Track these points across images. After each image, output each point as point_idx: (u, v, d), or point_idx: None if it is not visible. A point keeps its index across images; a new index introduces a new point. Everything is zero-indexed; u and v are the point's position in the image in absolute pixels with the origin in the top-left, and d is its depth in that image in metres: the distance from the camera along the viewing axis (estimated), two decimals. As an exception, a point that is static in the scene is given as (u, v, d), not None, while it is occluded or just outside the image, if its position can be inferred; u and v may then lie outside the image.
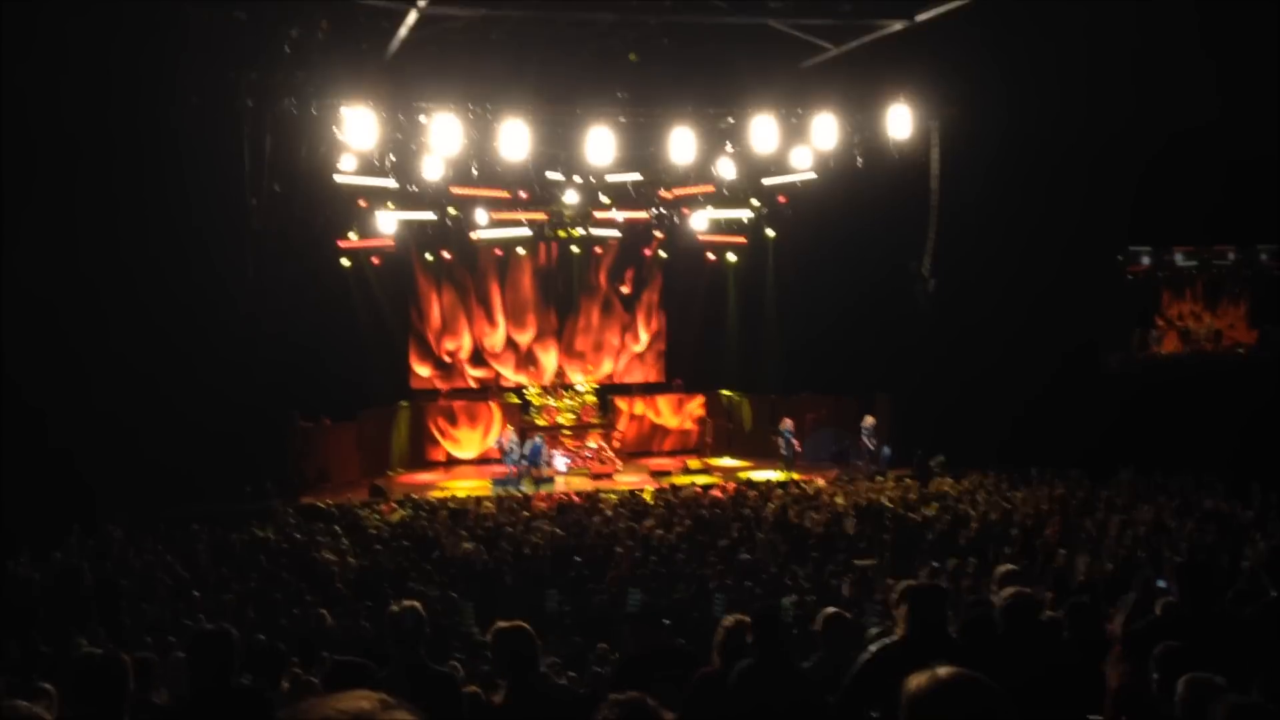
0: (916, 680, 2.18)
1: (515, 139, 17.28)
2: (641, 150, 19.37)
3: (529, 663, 4.60)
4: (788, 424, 21.45)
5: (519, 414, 23.51)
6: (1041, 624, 5.14)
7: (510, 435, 21.56)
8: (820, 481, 18.94)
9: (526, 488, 19.84)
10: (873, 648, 4.74)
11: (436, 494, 18.93)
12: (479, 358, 25.03)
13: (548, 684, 5.04)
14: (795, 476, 19.89)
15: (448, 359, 24.77)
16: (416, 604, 4.86)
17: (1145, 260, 23.17)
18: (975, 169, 18.51)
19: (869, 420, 20.94)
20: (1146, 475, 16.53)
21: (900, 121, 17.74)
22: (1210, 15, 16.41)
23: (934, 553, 12.33)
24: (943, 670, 2.18)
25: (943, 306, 19.64)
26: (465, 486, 20.31)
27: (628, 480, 20.94)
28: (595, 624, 9.98)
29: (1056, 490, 16.00)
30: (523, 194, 21.34)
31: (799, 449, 21.24)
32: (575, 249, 24.52)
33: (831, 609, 5.74)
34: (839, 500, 16.44)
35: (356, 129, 16.77)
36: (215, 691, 4.43)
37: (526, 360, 25.14)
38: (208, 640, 4.57)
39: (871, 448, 20.69)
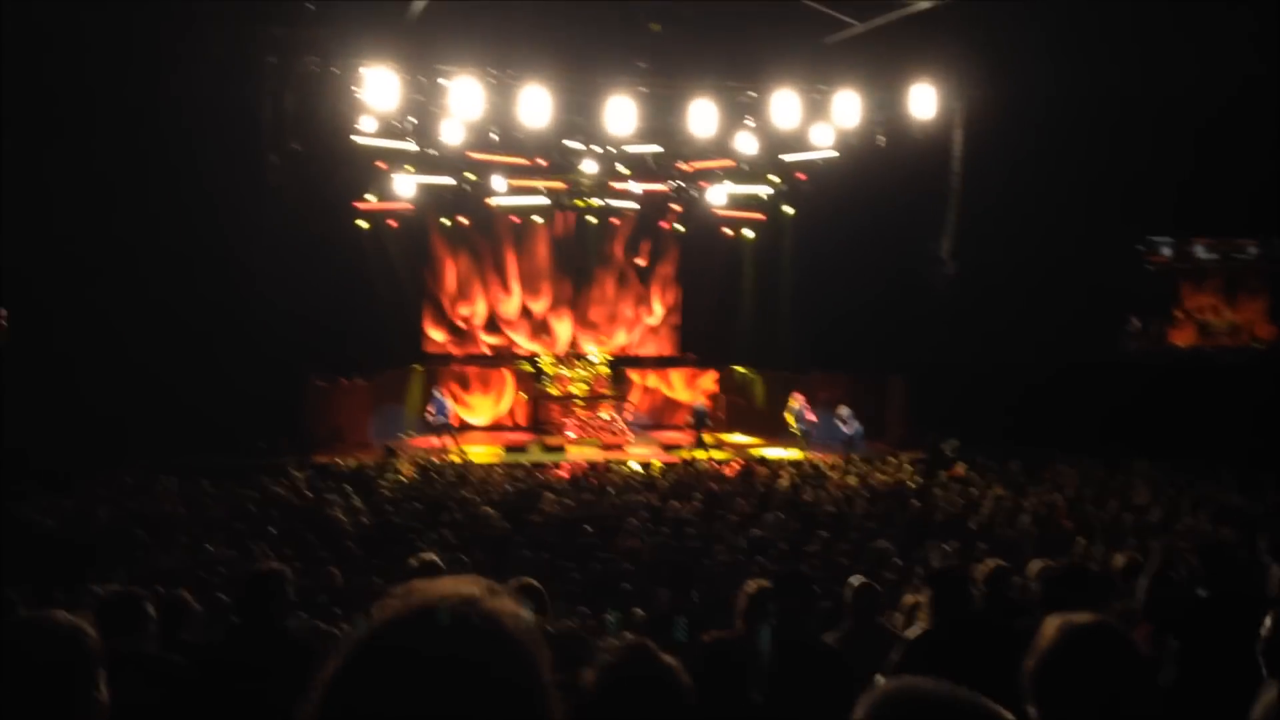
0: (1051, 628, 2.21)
1: (536, 106, 17.12)
2: (661, 122, 19.15)
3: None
4: (798, 400, 21.26)
5: (532, 382, 23.55)
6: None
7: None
8: (830, 460, 18.89)
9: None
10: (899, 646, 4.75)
11: (449, 458, 18.98)
12: (493, 324, 25.03)
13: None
14: (807, 456, 19.73)
15: (462, 325, 24.79)
16: (434, 557, 4.85)
17: (1165, 251, 22.98)
18: (998, 152, 18.32)
19: (843, 409, 20.68)
20: (1159, 466, 16.47)
21: (924, 101, 17.49)
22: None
23: (943, 535, 12.31)
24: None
25: (960, 289, 19.55)
26: (476, 452, 20.34)
27: (639, 452, 20.94)
28: (603, 592, 9.96)
29: (1070, 478, 15.96)
30: (541, 162, 21.22)
31: (813, 422, 20.88)
32: (592, 219, 24.44)
33: (861, 578, 5.73)
34: (850, 480, 16.42)
35: (377, 90, 16.66)
36: (261, 631, 4.43)
37: (540, 329, 25.15)
38: (263, 578, 4.57)
39: (847, 433, 20.45)
